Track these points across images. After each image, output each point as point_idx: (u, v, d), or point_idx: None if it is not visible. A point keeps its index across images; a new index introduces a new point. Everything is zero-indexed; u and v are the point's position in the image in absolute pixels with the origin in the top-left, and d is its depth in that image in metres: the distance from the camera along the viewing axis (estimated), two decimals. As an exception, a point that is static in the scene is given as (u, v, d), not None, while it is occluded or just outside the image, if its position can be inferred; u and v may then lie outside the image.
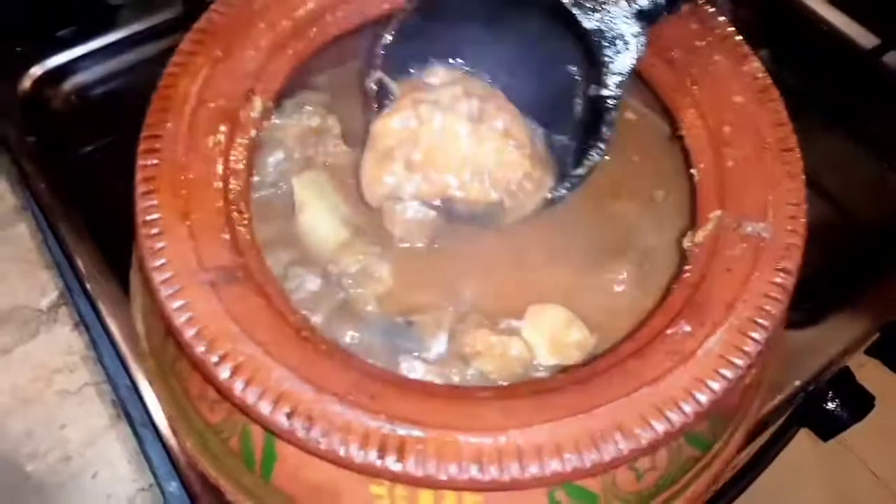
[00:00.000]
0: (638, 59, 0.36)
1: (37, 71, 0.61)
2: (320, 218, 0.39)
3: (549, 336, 0.36)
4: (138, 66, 0.63)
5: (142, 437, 0.46)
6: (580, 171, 0.38)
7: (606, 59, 0.36)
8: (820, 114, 0.69)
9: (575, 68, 0.38)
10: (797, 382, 0.52)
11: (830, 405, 0.63)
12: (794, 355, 0.52)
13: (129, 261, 0.40)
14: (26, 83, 0.60)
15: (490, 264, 0.39)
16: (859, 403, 0.63)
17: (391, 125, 0.38)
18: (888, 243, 0.61)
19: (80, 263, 0.51)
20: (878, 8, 0.68)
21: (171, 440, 0.44)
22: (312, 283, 0.37)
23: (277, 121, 0.41)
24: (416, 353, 0.36)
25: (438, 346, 0.36)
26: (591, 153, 0.37)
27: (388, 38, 0.38)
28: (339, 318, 0.37)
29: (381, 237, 0.39)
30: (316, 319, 0.36)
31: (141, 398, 0.46)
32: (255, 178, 0.39)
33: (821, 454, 1.11)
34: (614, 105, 0.36)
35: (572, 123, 0.39)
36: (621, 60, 0.36)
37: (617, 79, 0.36)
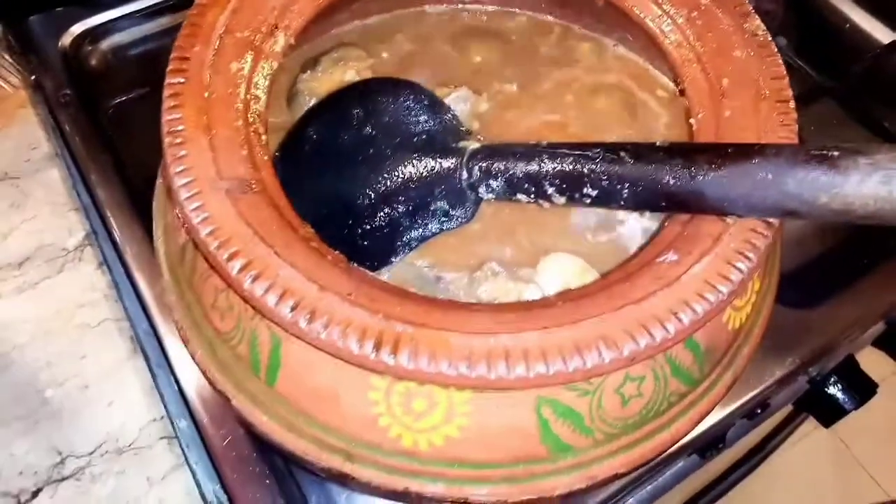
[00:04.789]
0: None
1: (77, 29, 0.63)
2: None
3: (564, 283, 0.37)
4: (173, 30, 0.66)
5: (156, 376, 0.47)
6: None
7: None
8: (835, 105, 0.70)
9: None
10: (798, 359, 0.53)
11: (832, 390, 0.63)
12: (797, 333, 0.53)
13: (151, 206, 0.43)
14: (66, 40, 0.63)
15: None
16: (861, 390, 0.64)
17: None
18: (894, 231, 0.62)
19: (106, 208, 0.53)
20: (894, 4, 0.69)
21: (184, 378, 0.46)
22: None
23: (309, 74, 0.43)
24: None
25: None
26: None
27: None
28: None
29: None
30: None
31: (158, 338, 0.48)
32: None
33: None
34: None
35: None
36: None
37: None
